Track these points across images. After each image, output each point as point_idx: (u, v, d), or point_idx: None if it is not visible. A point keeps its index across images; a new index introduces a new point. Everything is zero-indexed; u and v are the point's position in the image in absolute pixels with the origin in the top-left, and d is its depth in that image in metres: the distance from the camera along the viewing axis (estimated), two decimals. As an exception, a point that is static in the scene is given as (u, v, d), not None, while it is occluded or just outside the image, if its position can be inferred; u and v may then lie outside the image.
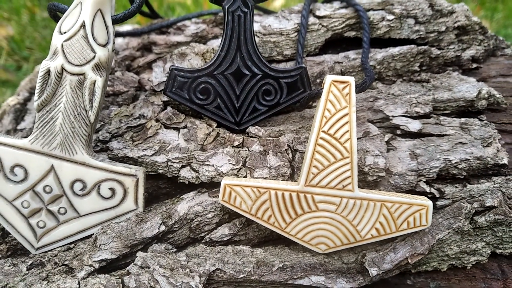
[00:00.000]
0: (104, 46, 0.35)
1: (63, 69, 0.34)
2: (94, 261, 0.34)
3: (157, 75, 0.46)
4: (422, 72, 0.45)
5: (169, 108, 0.42)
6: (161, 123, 0.41)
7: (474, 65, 0.47)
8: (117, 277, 0.33)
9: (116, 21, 0.36)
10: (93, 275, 0.33)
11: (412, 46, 0.44)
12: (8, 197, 0.36)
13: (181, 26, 0.53)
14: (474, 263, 0.39)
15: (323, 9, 0.47)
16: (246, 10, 0.38)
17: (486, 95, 0.41)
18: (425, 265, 0.38)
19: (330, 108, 0.35)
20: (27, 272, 0.34)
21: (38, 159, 0.35)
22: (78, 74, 0.34)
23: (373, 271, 0.35)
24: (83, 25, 0.34)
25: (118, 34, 0.51)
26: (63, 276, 0.33)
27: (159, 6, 1.81)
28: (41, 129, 0.35)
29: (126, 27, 0.87)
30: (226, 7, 0.38)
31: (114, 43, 0.36)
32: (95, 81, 0.34)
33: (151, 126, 0.41)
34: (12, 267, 0.35)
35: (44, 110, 0.35)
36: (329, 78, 0.35)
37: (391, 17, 0.45)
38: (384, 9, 0.46)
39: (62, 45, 0.34)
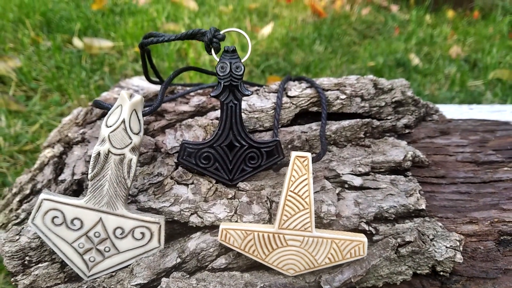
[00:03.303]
0: (137, 134, 0.50)
1: (109, 151, 0.49)
2: (132, 285, 0.49)
3: (170, 141, 0.61)
4: (366, 138, 0.60)
5: (180, 168, 0.58)
6: (174, 180, 0.56)
7: (407, 131, 0.63)
8: (149, 296, 0.48)
9: (145, 114, 0.51)
10: (133, 295, 0.48)
11: (358, 120, 0.60)
12: (69, 240, 0.50)
13: (186, 95, 0.69)
14: (401, 280, 0.53)
15: (293, 90, 0.62)
16: (236, 102, 0.53)
17: (411, 158, 0.57)
18: (366, 283, 0.53)
19: (295, 175, 0.50)
20: (84, 293, 0.49)
21: (91, 213, 0.50)
22: (119, 155, 0.49)
23: (326, 288, 0.50)
24: (123, 121, 0.49)
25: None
26: (111, 296, 0.48)
27: (157, 54, 1.96)
28: (93, 192, 0.50)
29: (135, 79, 1.02)
30: (222, 100, 0.53)
31: (144, 130, 0.51)
32: (131, 159, 0.50)
33: (167, 183, 0.56)
34: (73, 290, 0.50)
35: (95, 179, 0.50)
36: (293, 154, 0.50)
37: (343, 96, 0.61)
38: (339, 90, 0.62)
39: (108, 135, 0.49)
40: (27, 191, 0.66)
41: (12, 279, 0.52)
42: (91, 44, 1.79)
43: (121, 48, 1.79)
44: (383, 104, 0.62)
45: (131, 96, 0.50)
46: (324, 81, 0.63)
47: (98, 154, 0.49)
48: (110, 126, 0.49)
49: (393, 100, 0.63)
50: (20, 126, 1.40)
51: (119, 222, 0.50)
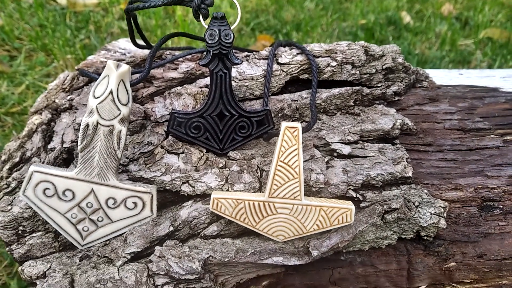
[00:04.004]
0: (125, 105, 0.49)
1: (98, 123, 0.49)
2: (126, 253, 0.50)
3: (159, 109, 0.60)
4: (355, 106, 0.61)
5: (170, 137, 0.57)
6: (165, 149, 0.57)
7: (396, 98, 0.63)
8: (143, 264, 0.49)
9: (133, 84, 0.51)
10: (127, 263, 0.49)
11: (348, 88, 0.60)
12: (61, 211, 0.51)
13: (174, 61, 0.67)
14: (387, 244, 0.56)
15: (284, 56, 0.61)
16: (226, 71, 0.53)
17: (399, 126, 0.58)
18: (352, 247, 0.55)
19: (285, 145, 0.50)
20: (80, 262, 0.50)
21: (82, 185, 0.50)
22: (108, 126, 0.49)
23: (315, 253, 0.52)
24: (110, 92, 0.48)
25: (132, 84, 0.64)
26: (106, 264, 0.49)
27: (144, 12, 1.88)
28: (83, 164, 0.50)
29: (122, 41, 1.00)
30: (212, 69, 0.53)
31: (132, 101, 0.50)
32: (121, 130, 0.49)
33: (158, 152, 0.56)
34: (68, 259, 0.51)
35: (85, 151, 0.49)
36: (284, 124, 0.50)
37: (334, 63, 0.60)
38: (330, 56, 0.61)
39: (96, 106, 0.48)
40: (17, 159, 0.66)
41: (7, 248, 0.53)
42: (75, 1, 1.72)
43: (107, 5, 1.72)
44: (374, 71, 0.62)
45: (118, 66, 0.49)
46: (315, 47, 0.62)
47: (87, 125, 0.49)
48: (98, 97, 0.48)
49: (384, 67, 0.62)
50: (6, 87, 1.37)
51: (111, 193, 0.51)
